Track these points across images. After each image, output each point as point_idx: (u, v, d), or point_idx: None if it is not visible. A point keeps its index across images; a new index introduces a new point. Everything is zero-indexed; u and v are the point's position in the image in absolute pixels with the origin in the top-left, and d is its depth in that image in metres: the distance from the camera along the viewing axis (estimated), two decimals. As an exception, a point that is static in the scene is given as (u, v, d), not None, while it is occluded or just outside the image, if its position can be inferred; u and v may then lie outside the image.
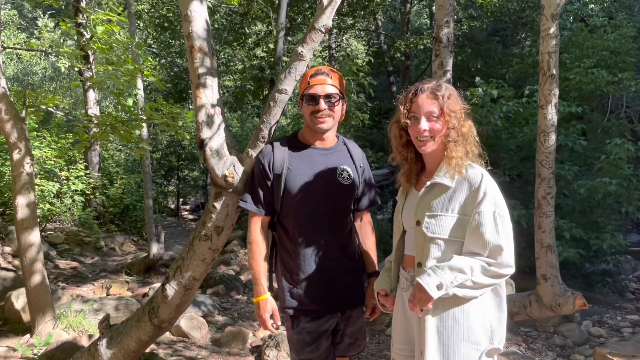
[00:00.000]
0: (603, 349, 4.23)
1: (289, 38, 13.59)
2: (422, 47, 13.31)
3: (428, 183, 1.85)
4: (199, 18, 2.50)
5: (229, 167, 2.40)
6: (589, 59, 8.04)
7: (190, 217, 18.75)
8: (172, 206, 19.80)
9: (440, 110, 1.78)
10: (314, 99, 2.15)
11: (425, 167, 1.96)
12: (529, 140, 7.43)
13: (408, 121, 1.84)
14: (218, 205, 2.46)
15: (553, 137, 3.55)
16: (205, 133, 2.44)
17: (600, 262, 7.98)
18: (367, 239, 2.42)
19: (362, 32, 16.73)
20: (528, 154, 7.83)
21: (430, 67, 3.63)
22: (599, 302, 7.21)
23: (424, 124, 1.79)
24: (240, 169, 2.41)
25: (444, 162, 1.82)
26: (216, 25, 13.41)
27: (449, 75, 3.67)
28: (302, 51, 2.30)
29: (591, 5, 11.18)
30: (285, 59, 11.37)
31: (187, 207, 22.00)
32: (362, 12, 13.89)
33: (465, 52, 14.13)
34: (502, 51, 14.83)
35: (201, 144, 2.45)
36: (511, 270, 1.73)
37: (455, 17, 14.39)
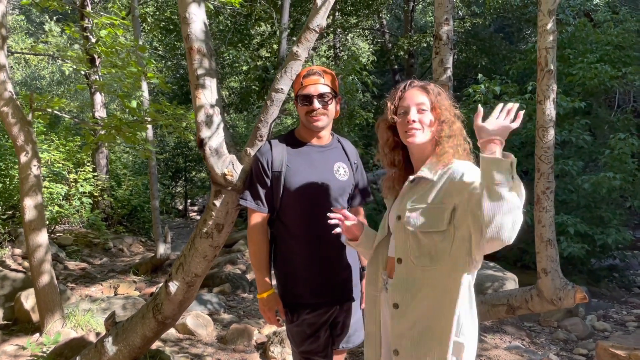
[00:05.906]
0: (605, 342, 4.24)
1: (293, 38, 13.63)
2: (425, 45, 13.32)
3: (411, 177, 1.74)
4: (197, 20, 2.56)
5: (228, 166, 2.45)
6: (593, 54, 8.03)
7: (198, 217, 18.85)
8: (180, 207, 19.96)
9: (431, 104, 1.71)
10: (308, 99, 2.20)
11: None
12: (532, 137, 7.42)
13: (396, 117, 1.74)
14: (218, 203, 2.51)
15: (552, 132, 3.58)
16: (205, 132, 2.49)
17: (606, 257, 7.95)
18: None
19: (366, 31, 16.75)
20: (532, 150, 7.83)
21: (432, 65, 3.67)
22: (604, 297, 7.19)
23: (414, 115, 1.69)
24: (239, 168, 2.46)
25: (432, 156, 1.72)
26: (220, 27, 13.50)
27: (449, 72, 3.68)
28: (297, 51, 2.36)
29: (595, 0, 11.15)
30: (289, 59, 11.41)
31: (195, 207, 22.14)
32: (366, 11, 13.92)
33: (470, 50, 14.11)
34: (507, 48, 14.79)
35: (201, 143, 2.50)
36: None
37: (459, 13, 14.36)
